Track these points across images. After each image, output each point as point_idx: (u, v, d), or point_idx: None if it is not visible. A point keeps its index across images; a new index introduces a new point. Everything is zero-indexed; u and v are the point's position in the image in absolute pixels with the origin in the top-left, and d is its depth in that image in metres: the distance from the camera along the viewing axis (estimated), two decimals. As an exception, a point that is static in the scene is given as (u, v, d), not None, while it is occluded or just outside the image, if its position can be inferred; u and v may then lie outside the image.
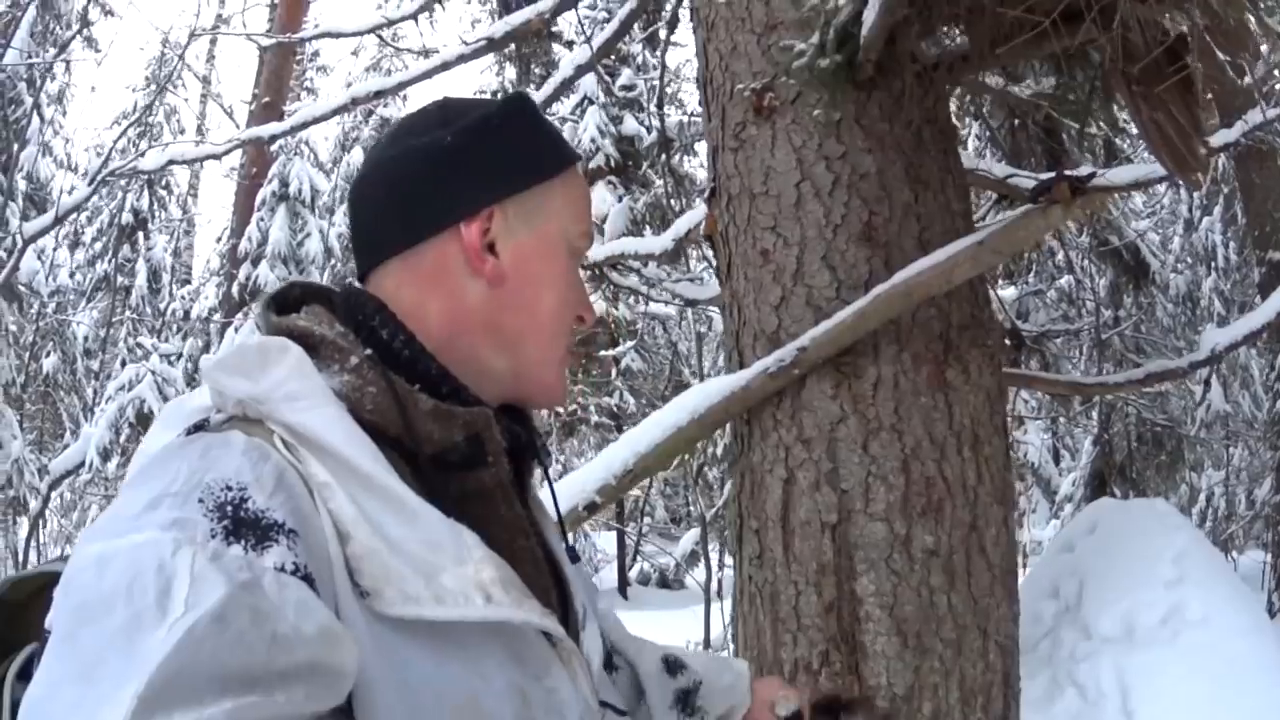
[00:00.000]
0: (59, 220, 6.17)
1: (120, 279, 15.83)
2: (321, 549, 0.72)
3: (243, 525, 0.68)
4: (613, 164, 11.94)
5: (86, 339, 14.78)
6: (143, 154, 6.95)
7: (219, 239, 16.64)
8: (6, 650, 0.79)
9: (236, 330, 11.29)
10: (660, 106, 5.69)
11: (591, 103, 12.09)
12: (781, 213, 2.18)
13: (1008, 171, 3.10)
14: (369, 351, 0.82)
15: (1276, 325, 3.66)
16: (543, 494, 0.98)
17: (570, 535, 1.03)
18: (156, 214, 17.28)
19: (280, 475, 0.72)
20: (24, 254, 6.79)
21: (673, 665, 1.20)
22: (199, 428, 0.77)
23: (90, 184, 6.27)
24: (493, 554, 0.79)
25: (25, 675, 0.75)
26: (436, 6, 6.03)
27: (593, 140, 11.86)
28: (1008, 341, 5.01)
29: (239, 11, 13.73)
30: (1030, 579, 4.76)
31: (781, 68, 2.15)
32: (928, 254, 2.04)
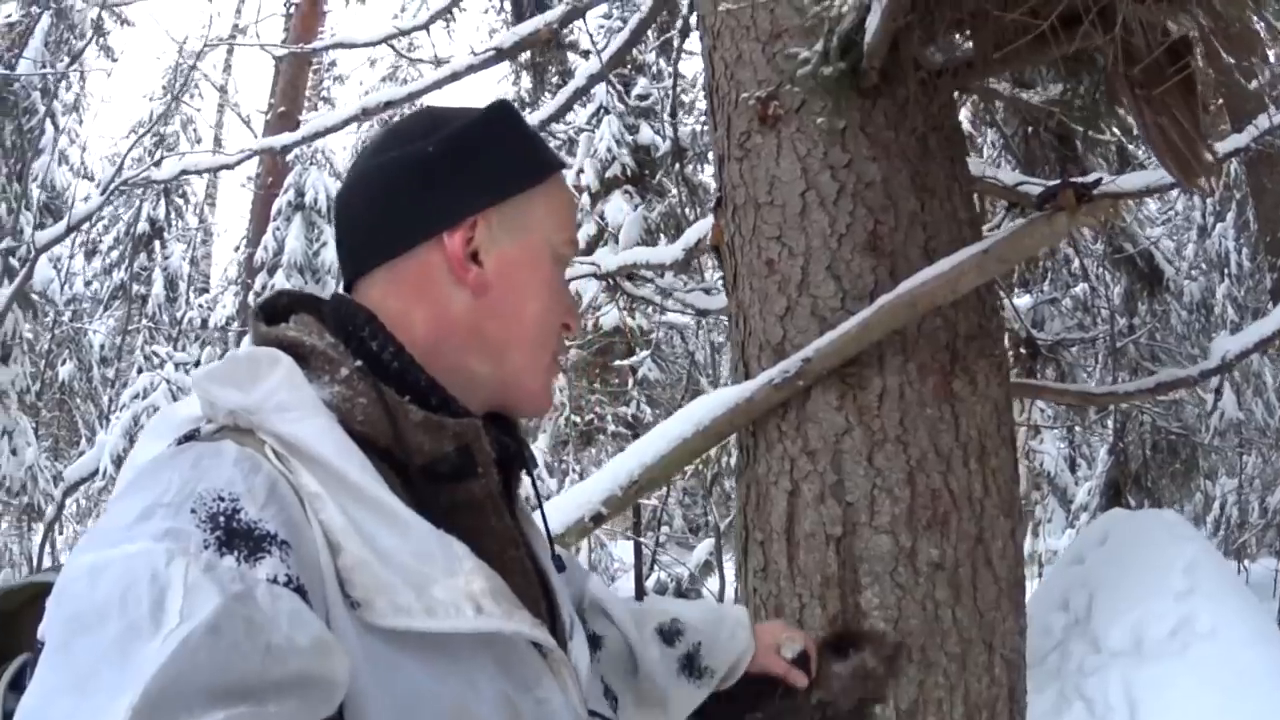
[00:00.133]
0: (71, 229, 6.21)
1: (137, 287, 15.93)
2: (313, 560, 0.72)
3: (235, 536, 0.68)
4: (629, 173, 11.90)
5: (102, 347, 14.89)
6: (157, 163, 6.99)
7: (237, 248, 16.70)
8: None
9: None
10: (674, 115, 5.64)
11: (608, 112, 12.07)
12: (786, 222, 2.16)
13: (1017, 179, 3.08)
14: (359, 363, 0.83)
15: (1288, 332, 3.61)
16: (546, 504, 0.99)
17: (584, 543, 1.03)
18: (173, 223, 17.38)
19: (272, 486, 0.73)
20: (37, 263, 6.83)
21: (669, 634, 1.20)
22: (190, 438, 0.78)
23: (103, 193, 6.32)
24: (483, 565, 0.79)
25: (17, 685, 0.75)
26: (453, 17, 6.06)
27: (609, 150, 11.84)
28: (1023, 350, 4.98)
29: (255, 21, 13.80)
30: (1040, 591, 4.72)
31: (786, 76, 2.14)
32: (934, 263, 2.01)
